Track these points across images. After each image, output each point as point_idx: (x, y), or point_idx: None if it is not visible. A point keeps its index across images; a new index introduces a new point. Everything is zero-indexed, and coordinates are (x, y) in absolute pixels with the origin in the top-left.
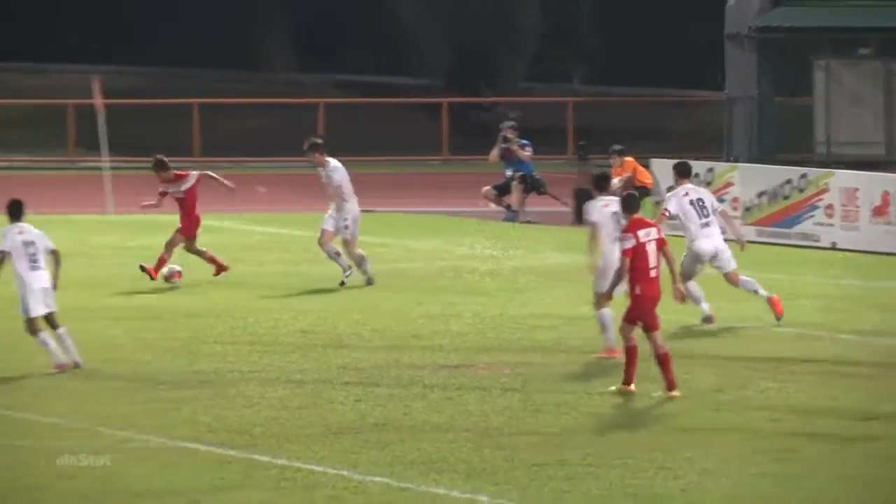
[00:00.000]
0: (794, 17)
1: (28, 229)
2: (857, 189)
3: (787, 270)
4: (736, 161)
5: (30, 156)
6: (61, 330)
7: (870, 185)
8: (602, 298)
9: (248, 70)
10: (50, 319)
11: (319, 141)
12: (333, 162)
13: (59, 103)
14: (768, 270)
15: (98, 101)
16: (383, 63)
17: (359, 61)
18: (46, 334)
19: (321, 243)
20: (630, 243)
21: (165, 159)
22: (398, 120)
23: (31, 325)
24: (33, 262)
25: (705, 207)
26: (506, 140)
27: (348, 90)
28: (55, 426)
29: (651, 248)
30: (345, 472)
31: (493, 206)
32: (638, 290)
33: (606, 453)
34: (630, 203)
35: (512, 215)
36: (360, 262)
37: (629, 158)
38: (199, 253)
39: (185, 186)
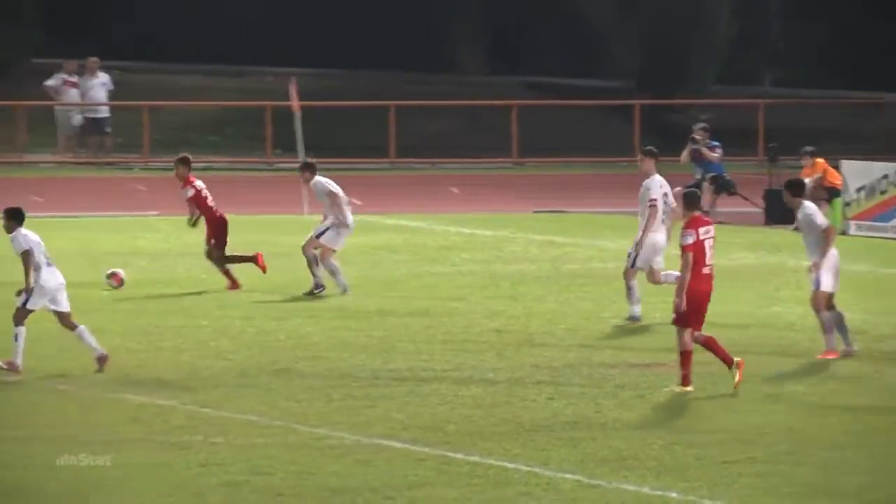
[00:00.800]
0: None
1: (33, 234)
2: None
3: None
4: None
5: (228, 157)
6: (80, 329)
7: None
8: (827, 299)
9: (441, 72)
10: (66, 320)
11: (311, 161)
12: (318, 179)
13: (257, 105)
14: None
15: (295, 103)
16: (574, 65)
17: (550, 63)
18: (24, 330)
19: (322, 258)
20: (691, 239)
21: (188, 157)
22: (589, 122)
23: (23, 315)
24: (48, 260)
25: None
26: (695, 141)
27: (540, 92)
28: (251, 423)
29: (708, 246)
30: (536, 469)
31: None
32: (693, 287)
33: (795, 451)
34: (692, 201)
35: None
36: (333, 272)
37: (820, 160)
38: (210, 257)
39: (188, 195)
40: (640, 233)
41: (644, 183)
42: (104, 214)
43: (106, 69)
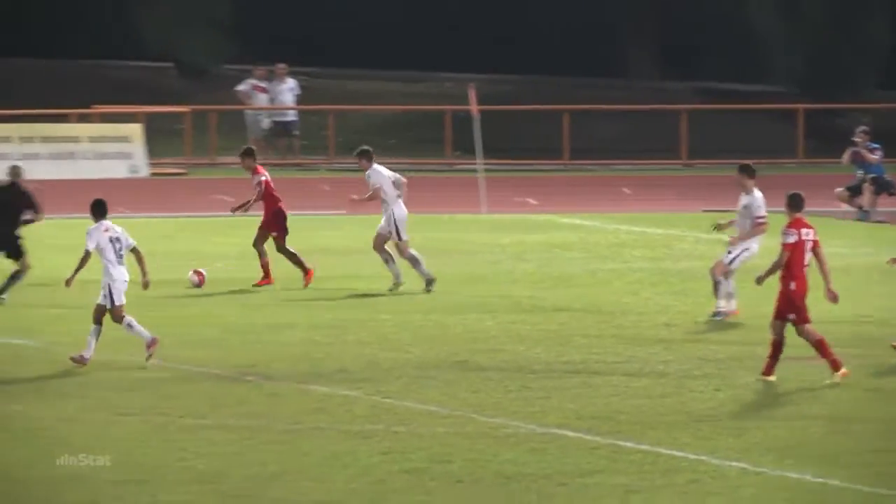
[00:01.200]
0: None
1: (112, 227)
2: None
3: None
4: None
5: (410, 158)
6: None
7: None
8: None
9: (612, 77)
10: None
11: (367, 148)
12: (374, 166)
13: (436, 109)
14: None
15: (474, 107)
16: (740, 70)
17: (716, 68)
18: (130, 317)
19: (374, 247)
20: (793, 238)
21: (253, 148)
22: (754, 125)
23: (118, 312)
24: (119, 256)
25: None
26: (856, 144)
27: (707, 97)
28: (431, 413)
29: (807, 248)
30: (704, 458)
31: (845, 207)
32: (793, 286)
33: None
34: (795, 202)
35: (864, 215)
36: (413, 263)
37: None
38: (260, 254)
39: (260, 179)
40: (743, 240)
41: (747, 198)
42: (291, 213)
43: (293, 75)
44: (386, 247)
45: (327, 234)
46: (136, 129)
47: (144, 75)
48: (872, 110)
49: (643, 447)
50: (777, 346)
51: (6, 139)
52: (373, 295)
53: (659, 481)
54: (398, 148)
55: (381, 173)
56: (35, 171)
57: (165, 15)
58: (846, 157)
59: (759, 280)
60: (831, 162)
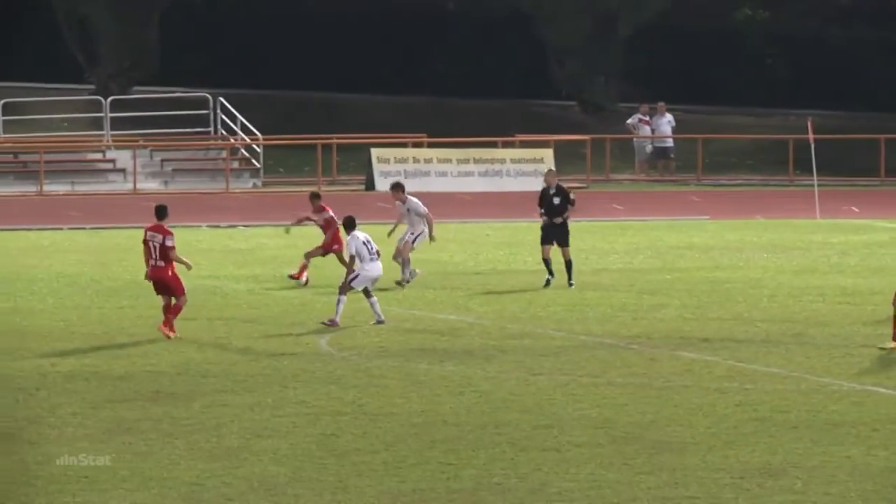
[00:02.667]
0: None
1: (362, 234)
2: None
3: None
4: None
5: (761, 175)
6: (373, 299)
7: None
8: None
9: None
10: (367, 291)
11: (400, 182)
12: (411, 199)
13: (782, 138)
14: None
15: (811, 136)
16: None
17: None
18: (374, 298)
19: (396, 255)
20: None
21: (319, 192)
22: None
23: (346, 289)
24: (372, 255)
25: None
26: None
27: None
28: (774, 374)
29: None
30: None
31: None
32: None
33: None
34: None
35: None
36: (404, 264)
37: None
38: (307, 255)
39: (325, 217)
40: None
41: None
42: (667, 218)
43: (670, 110)
44: (400, 248)
45: (695, 234)
46: (548, 153)
47: (555, 112)
48: None
49: None
50: None
51: (447, 160)
52: (728, 282)
53: None
54: (753, 167)
55: (415, 201)
56: (470, 186)
57: (576, 66)
58: None
59: None
60: None
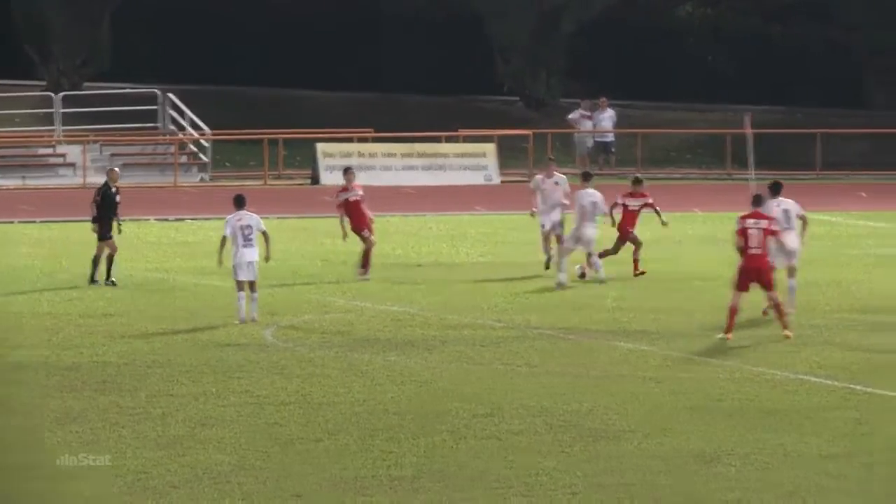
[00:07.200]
0: None
1: (245, 215)
2: None
3: None
4: None
5: (699, 169)
6: (255, 295)
7: None
8: None
9: (853, 108)
10: (252, 286)
11: (552, 157)
12: (558, 175)
13: (719, 132)
14: None
15: (748, 131)
16: None
17: None
18: (242, 294)
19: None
20: None
21: (352, 168)
22: None
23: (238, 286)
24: (246, 240)
25: None
26: None
27: None
28: (709, 363)
29: None
30: None
31: None
32: None
33: None
34: None
35: None
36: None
37: None
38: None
39: (358, 194)
40: None
41: None
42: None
43: (611, 106)
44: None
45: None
46: (490, 148)
47: (499, 107)
48: None
49: (870, 390)
50: None
51: (391, 155)
52: (666, 274)
53: (887, 417)
54: (691, 162)
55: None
56: (414, 179)
57: (518, 64)
58: None
59: None
60: None
